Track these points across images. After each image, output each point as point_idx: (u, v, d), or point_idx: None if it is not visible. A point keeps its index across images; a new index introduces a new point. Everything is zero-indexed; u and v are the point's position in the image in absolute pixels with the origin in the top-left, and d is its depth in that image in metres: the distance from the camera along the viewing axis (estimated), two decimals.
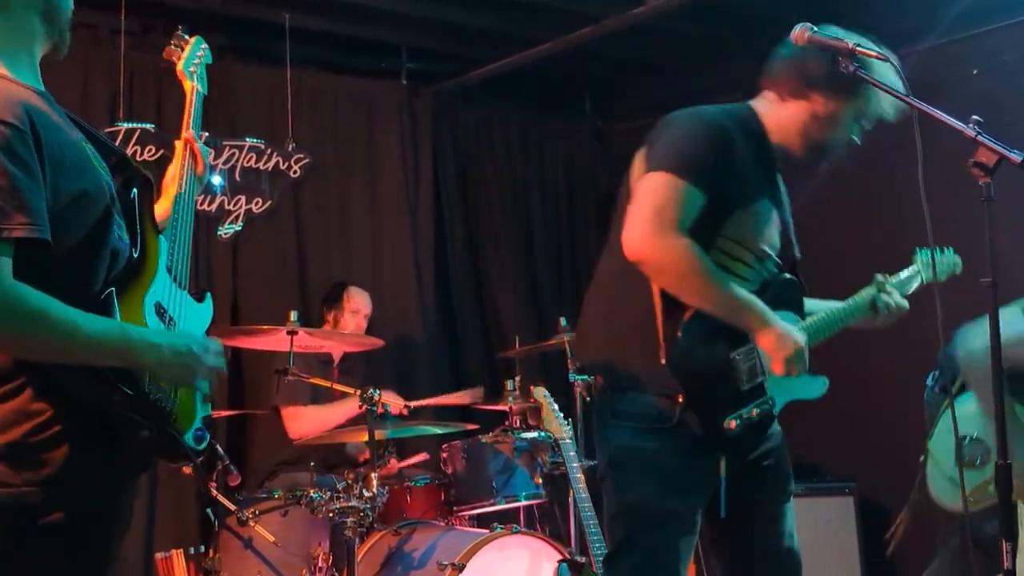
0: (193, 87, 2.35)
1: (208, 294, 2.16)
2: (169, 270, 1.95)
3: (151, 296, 1.86)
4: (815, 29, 2.32)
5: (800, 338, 2.32)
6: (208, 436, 1.96)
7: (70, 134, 1.80)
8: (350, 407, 4.15)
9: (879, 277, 2.66)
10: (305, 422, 4.23)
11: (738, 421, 2.28)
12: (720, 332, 2.28)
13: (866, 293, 2.62)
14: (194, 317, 2.04)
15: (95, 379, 1.70)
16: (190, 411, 1.90)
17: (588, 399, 2.50)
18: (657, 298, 2.25)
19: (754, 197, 2.35)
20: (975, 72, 4.51)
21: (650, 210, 2.20)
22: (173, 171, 2.21)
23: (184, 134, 2.23)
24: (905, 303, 2.64)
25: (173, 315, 1.92)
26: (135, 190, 1.93)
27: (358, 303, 4.59)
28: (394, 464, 4.29)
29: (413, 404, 4.31)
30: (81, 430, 1.71)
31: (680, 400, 2.22)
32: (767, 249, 2.38)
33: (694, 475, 2.31)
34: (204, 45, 2.42)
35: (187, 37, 2.40)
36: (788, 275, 2.47)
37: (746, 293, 2.31)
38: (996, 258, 2.15)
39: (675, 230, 2.19)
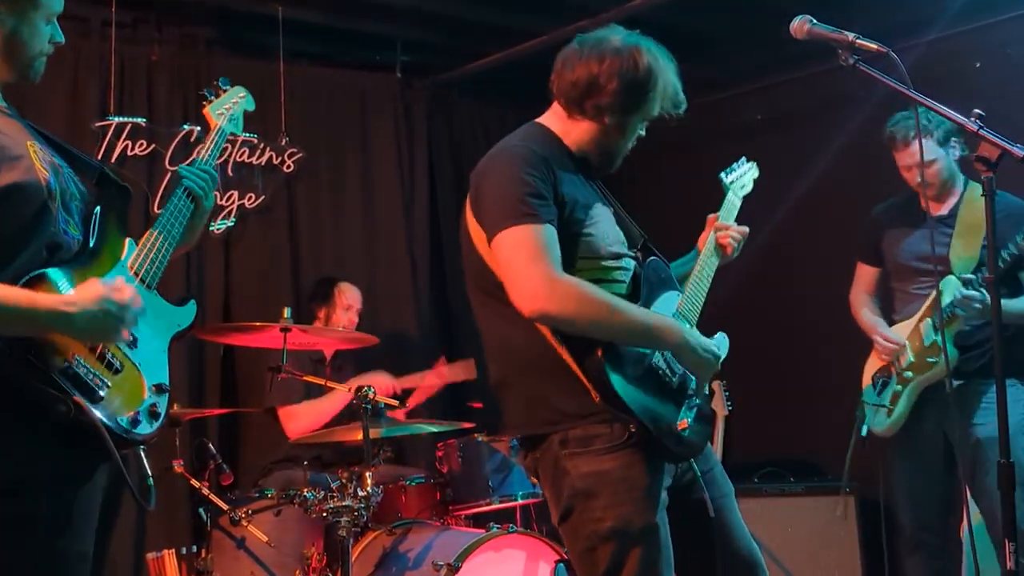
0: (218, 125, 2.48)
1: (192, 300, 2.20)
2: (135, 271, 2.03)
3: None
4: (814, 22, 2.31)
5: (716, 351, 2.34)
6: (149, 425, 1.97)
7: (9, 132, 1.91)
8: (343, 395, 4.14)
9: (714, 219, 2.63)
10: (301, 419, 4.21)
11: (688, 419, 2.32)
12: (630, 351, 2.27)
13: (710, 240, 2.57)
14: (162, 317, 2.09)
15: (13, 355, 1.77)
16: (132, 396, 1.95)
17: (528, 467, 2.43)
18: (558, 346, 2.23)
19: (589, 204, 2.33)
20: (978, 65, 4.48)
21: (525, 264, 2.16)
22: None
23: (186, 165, 2.33)
24: (744, 228, 2.59)
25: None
26: (98, 209, 2.03)
27: (350, 298, 4.54)
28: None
29: (401, 385, 4.29)
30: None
31: (632, 428, 2.21)
32: (618, 248, 2.37)
33: (658, 485, 2.27)
34: (243, 93, 2.55)
35: (225, 88, 2.53)
36: (649, 258, 2.45)
37: (647, 312, 2.31)
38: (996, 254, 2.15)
39: (559, 272, 2.17)
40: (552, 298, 2.15)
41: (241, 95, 2.55)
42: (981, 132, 2.16)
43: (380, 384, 4.06)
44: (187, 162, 2.37)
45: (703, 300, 2.47)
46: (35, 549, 1.80)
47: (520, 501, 3.91)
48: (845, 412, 3.80)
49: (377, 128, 5.36)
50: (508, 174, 2.24)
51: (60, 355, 1.82)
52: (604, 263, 2.32)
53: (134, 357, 2.02)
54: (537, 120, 2.46)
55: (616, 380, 2.19)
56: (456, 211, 5.54)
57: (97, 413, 1.85)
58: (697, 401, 2.40)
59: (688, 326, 2.37)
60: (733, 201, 2.65)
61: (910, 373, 3.54)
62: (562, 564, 3.43)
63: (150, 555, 3.75)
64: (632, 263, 2.39)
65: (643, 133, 2.44)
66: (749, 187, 2.73)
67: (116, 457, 1.88)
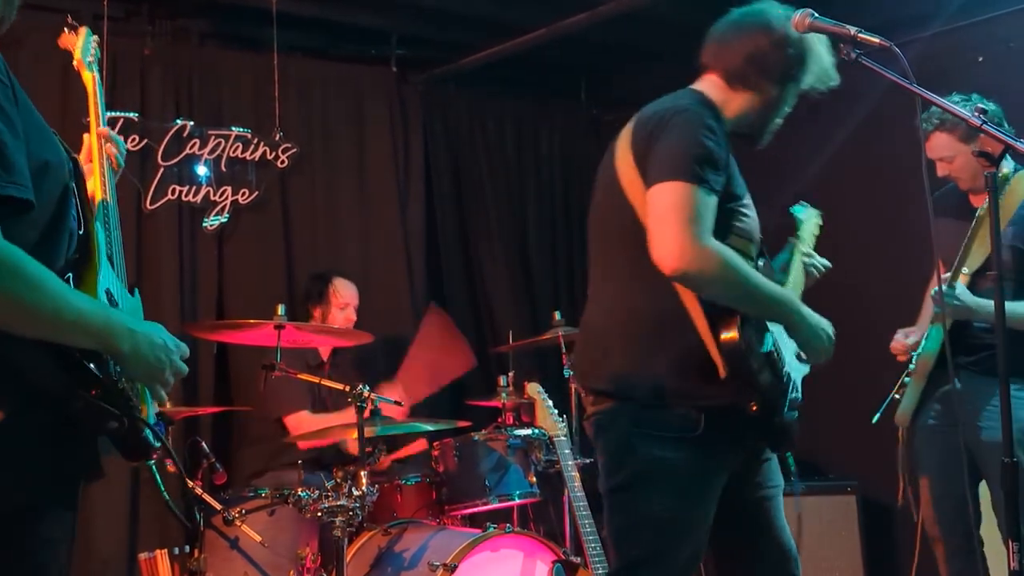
0: (93, 77, 2.28)
1: (136, 289, 2.04)
2: (110, 259, 1.86)
3: (102, 282, 1.77)
4: (816, 15, 2.31)
5: (828, 325, 2.41)
6: (161, 433, 1.86)
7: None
8: (351, 413, 4.07)
9: (793, 240, 2.76)
10: (311, 429, 4.13)
11: (791, 415, 2.38)
12: (756, 329, 2.32)
13: (796, 259, 2.68)
14: (132, 310, 1.94)
15: (65, 364, 1.58)
16: (144, 399, 1.82)
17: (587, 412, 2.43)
18: (696, 313, 2.25)
19: (743, 190, 2.40)
20: (980, 59, 4.45)
21: (678, 222, 2.17)
22: (91, 168, 2.06)
23: (98, 130, 2.11)
24: (826, 261, 2.74)
25: (121, 305, 1.83)
26: (71, 164, 1.79)
27: (346, 296, 4.48)
28: (385, 460, 4.22)
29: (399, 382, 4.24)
30: (35, 425, 1.58)
31: (753, 408, 2.25)
32: (759, 238, 2.43)
33: (716, 483, 2.32)
34: (95, 37, 2.37)
35: (77, 26, 2.35)
36: (764, 256, 2.51)
37: (778, 288, 2.39)
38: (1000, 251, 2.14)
39: (709, 238, 2.19)
40: (697, 259, 2.16)
41: (94, 39, 2.33)
42: (984, 127, 2.14)
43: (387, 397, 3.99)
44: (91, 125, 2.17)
45: None
46: (58, 562, 1.70)
47: (517, 501, 3.87)
48: (849, 411, 3.77)
49: (372, 122, 5.32)
50: (691, 131, 2.25)
51: (115, 367, 1.66)
52: (752, 246, 2.38)
53: None
54: (695, 88, 2.46)
55: (752, 354, 2.23)
56: (453, 207, 5.60)
57: (143, 423, 1.74)
58: (795, 394, 2.42)
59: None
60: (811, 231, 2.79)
61: (912, 366, 3.54)
62: (560, 564, 3.41)
63: (142, 555, 3.71)
64: (760, 260, 2.45)
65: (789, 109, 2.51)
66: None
67: (182, 469, 1.79)
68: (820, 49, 2.40)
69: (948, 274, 3.36)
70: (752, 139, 2.49)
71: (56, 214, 1.64)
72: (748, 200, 2.41)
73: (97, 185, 2.03)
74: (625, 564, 2.34)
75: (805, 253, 2.70)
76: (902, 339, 3.58)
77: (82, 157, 2.03)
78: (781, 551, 2.47)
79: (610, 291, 2.40)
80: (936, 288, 3.34)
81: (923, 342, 3.48)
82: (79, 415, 1.61)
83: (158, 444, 1.82)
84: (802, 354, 2.48)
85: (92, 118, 2.17)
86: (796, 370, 2.48)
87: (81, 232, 1.74)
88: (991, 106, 3.33)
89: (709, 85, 2.44)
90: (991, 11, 4.44)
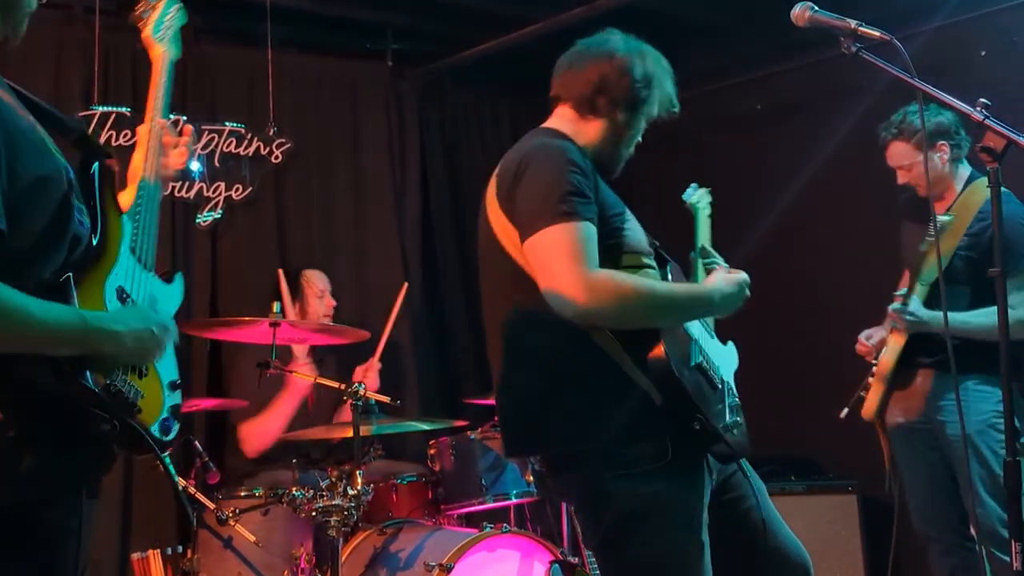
0: (163, 53, 2.21)
1: (179, 274, 2.09)
2: (133, 251, 1.90)
3: (113, 280, 1.82)
4: (816, 9, 2.30)
5: (743, 278, 2.37)
6: (176, 426, 1.90)
7: (24, 117, 1.73)
8: (287, 399, 4.07)
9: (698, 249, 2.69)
10: (253, 437, 4.09)
11: (728, 415, 2.35)
12: (678, 344, 2.28)
13: (698, 265, 2.62)
14: (162, 299, 1.99)
15: (51, 371, 1.63)
16: (156, 400, 1.85)
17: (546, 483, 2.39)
18: (613, 349, 2.19)
19: (621, 207, 2.35)
20: (983, 53, 4.42)
21: (564, 265, 2.12)
22: (140, 157, 2.10)
23: (157, 119, 2.12)
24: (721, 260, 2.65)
25: (136, 299, 1.87)
26: (95, 166, 1.86)
27: (318, 284, 4.42)
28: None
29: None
30: (35, 426, 1.64)
31: (700, 426, 2.19)
32: (652, 245, 2.40)
33: (704, 504, 2.26)
34: (177, 4, 2.28)
35: (154, 1, 2.26)
36: (668, 263, 2.45)
37: (686, 286, 2.39)
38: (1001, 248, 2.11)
39: (596, 269, 2.14)
40: (591, 294, 2.10)
41: (173, 9, 2.27)
42: (987, 122, 2.12)
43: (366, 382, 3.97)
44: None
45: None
46: (65, 563, 1.73)
47: (514, 500, 3.85)
48: (849, 411, 3.75)
49: (368, 117, 5.28)
50: (551, 169, 2.22)
51: (102, 372, 1.71)
52: (644, 259, 2.33)
53: None
54: (545, 125, 2.46)
55: (681, 375, 2.18)
56: (450, 203, 5.56)
57: (138, 425, 1.77)
58: (733, 397, 2.40)
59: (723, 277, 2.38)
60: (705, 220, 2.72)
61: (875, 366, 3.61)
62: (557, 564, 3.40)
63: (135, 555, 3.67)
64: (656, 268, 2.39)
65: (640, 139, 2.49)
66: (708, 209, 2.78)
67: (171, 470, 1.86)
68: (661, 75, 2.41)
69: (904, 291, 3.45)
70: (605, 169, 2.41)
71: (54, 220, 1.69)
72: (628, 214, 2.35)
73: (142, 165, 2.06)
74: None
75: (704, 254, 2.62)
76: (865, 341, 3.67)
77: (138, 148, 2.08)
78: (786, 557, 2.41)
79: (523, 348, 2.30)
80: (892, 306, 3.44)
81: (883, 349, 3.56)
82: (70, 418, 1.67)
83: (167, 438, 1.86)
84: (720, 350, 2.47)
85: (151, 102, 2.16)
86: (727, 370, 2.46)
87: (97, 230, 1.80)
88: (948, 115, 3.44)
89: (560, 119, 2.44)
90: (994, 4, 4.41)
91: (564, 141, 2.33)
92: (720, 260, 2.57)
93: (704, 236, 2.67)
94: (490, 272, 2.37)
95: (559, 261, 2.12)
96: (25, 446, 1.62)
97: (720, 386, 2.39)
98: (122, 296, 1.83)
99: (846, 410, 3.63)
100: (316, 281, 4.43)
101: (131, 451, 1.83)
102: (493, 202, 2.31)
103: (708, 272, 2.50)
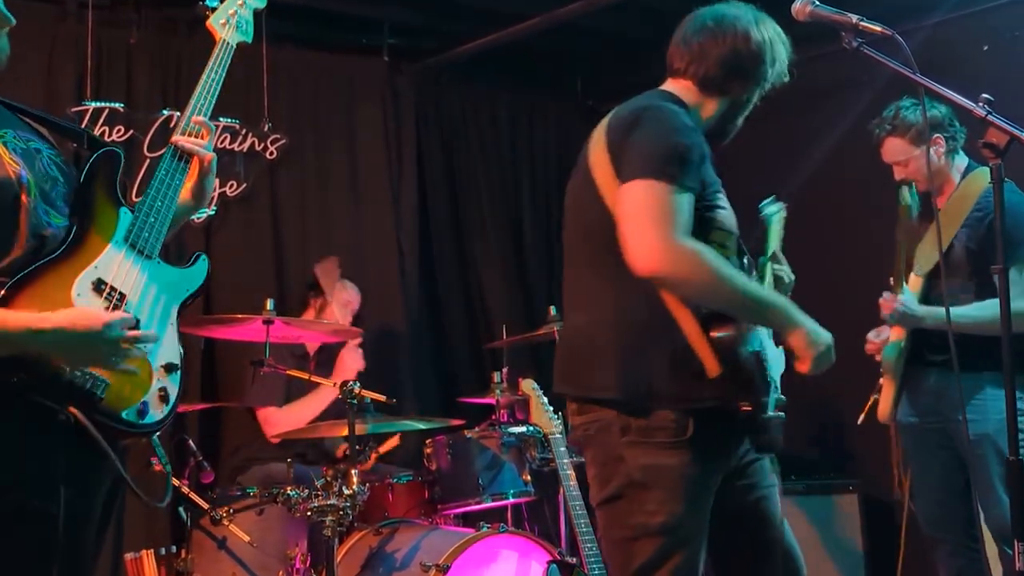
0: (221, 39, 2.25)
1: (203, 256, 2.15)
2: (132, 243, 1.94)
3: (90, 274, 1.87)
4: (817, 3, 2.30)
5: (827, 335, 2.33)
6: (158, 412, 1.93)
7: None
8: (324, 396, 4.08)
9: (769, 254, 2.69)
10: (281, 425, 4.11)
11: (779, 416, 2.34)
12: (745, 327, 2.28)
13: (767, 271, 2.61)
14: (167, 287, 2.02)
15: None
16: (136, 385, 1.88)
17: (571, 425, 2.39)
18: (681, 310, 2.21)
19: (718, 185, 2.37)
20: (985, 48, 4.41)
21: (649, 221, 2.14)
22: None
23: (193, 118, 2.25)
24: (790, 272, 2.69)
25: (124, 289, 1.91)
26: (88, 162, 1.93)
27: (349, 296, 4.45)
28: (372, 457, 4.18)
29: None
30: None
31: (751, 408, 2.23)
32: (737, 233, 2.41)
33: (710, 487, 2.30)
34: None
35: None
36: (745, 254, 2.47)
37: (767, 290, 2.39)
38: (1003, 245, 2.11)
39: (684, 237, 2.15)
40: (670, 259, 2.13)
41: None
42: (989, 118, 2.11)
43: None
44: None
45: None
46: (46, 546, 1.78)
47: (511, 500, 3.84)
48: (849, 411, 3.75)
49: (364, 113, 5.26)
50: (665, 129, 2.23)
51: (47, 364, 1.77)
52: (731, 239, 2.35)
53: None
54: (666, 89, 2.44)
55: (745, 354, 2.20)
56: (447, 199, 5.54)
57: (82, 417, 1.80)
58: (779, 394, 2.39)
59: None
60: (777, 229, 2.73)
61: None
62: (555, 565, 3.38)
63: (128, 556, 3.67)
64: (741, 256, 2.42)
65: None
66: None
67: (114, 459, 1.84)
68: (780, 47, 2.42)
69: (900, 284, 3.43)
70: (718, 138, 2.46)
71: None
72: (722, 194, 2.38)
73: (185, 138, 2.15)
74: (628, 573, 2.28)
75: (775, 260, 2.63)
76: (874, 338, 3.62)
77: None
78: (783, 551, 2.43)
79: (590, 294, 2.35)
80: (883, 296, 3.41)
81: (887, 346, 3.52)
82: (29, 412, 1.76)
83: (142, 421, 1.88)
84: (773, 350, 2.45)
85: (198, 90, 2.25)
86: (776, 370, 2.46)
87: (77, 227, 1.88)
88: (941, 108, 3.42)
89: (682, 89, 2.42)
90: (994, 0, 4.41)
91: (684, 107, 2.35)
92: (788, 269, 2.61)
93: (775, 243, 2.69)
94: (580, 215, 2.37)
95: (646, 217, 2.14)
96: None
97: (770, 380, 2.38)
98: (99, 288, 1.86)
99: (863, 416, 3.60)
100: (349, 291, 4.46)
101: (102, 447, 1.83)
102: (600, 150, 2.30)
103: (776, 278, 2.55)
